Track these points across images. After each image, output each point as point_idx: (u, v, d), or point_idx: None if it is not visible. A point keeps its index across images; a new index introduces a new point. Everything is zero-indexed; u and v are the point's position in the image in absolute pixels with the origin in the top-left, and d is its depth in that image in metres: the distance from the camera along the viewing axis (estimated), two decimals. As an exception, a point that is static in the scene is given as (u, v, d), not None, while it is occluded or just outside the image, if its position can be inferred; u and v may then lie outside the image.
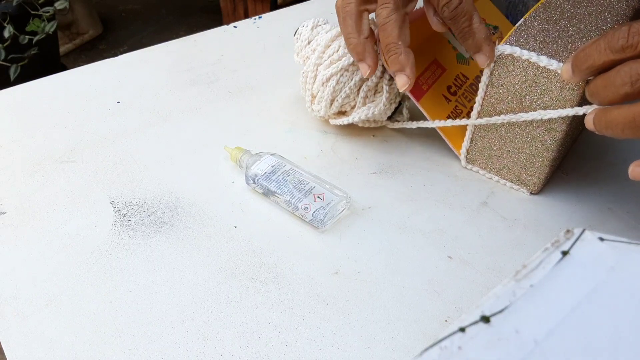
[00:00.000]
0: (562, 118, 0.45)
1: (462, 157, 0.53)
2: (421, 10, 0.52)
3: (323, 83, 0.52)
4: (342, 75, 0.51)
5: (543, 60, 0.43)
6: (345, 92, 0.52)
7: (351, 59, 0.51)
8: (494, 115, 0.48)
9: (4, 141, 0.55)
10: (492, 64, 0.46)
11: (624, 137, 0.38)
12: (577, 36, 0.46)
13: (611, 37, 0.37)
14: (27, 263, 0.44)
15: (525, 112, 0.46)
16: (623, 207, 0.50)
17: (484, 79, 0.47)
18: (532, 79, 0.45)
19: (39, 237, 0.46)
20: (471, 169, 0.53)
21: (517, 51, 0.44)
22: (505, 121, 0.48)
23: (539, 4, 0.50)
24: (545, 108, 0.45)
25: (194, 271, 0.44)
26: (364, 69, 0.50)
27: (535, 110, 0.46)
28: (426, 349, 0.23)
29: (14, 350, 0.38)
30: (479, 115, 0.49)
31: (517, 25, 0.47)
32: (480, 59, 0.46)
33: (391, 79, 0.52)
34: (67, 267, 0.44)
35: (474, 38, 0.46)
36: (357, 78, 0.51)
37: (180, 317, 0.41)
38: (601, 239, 0.28)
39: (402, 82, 0.48)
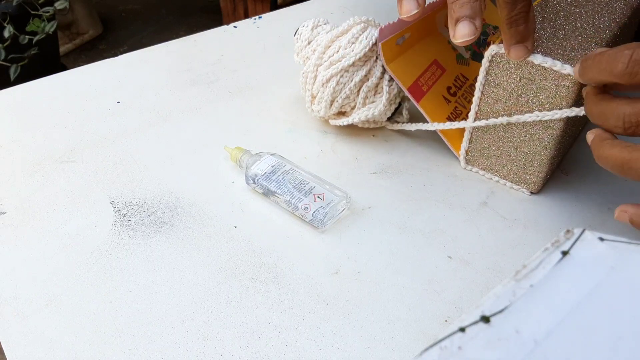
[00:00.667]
0: None
1: (461, 158, 0.53)
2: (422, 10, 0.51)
3: (323, 84, 0.52)
4: (342, 76, 0.51)
5: (537, 58, 0.43)
6: (345, 93, 0.52)
7: (352, 60, 0.50)
8: (491, 114, 0.48)
9: (4, 141, 0.55)
10: (488, 64, 0.46)
11: (612, 172, 0.38)
12: (573, 34, 0.46)
13: (613, 58, 0.36)
14: (27, 263, 0.44)
15: (522, 110, 0.46)
16: (623, 207, 0.50)
17: (480, 78, 0.47)
18: (527, 77, 0.45)
19: (39, 237, 0.46)
20: (471, 170, 0.53)
21: None
22: (503, 123, 0.48)
23: (535, 3, 0.50)
24: (542, 106, 0.45)
25: (194, 271, 0.44)
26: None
27: (532, 109, 0.46)
28: (426, 349, 0.23)
29: (14, 350, 0.38)
30: (477, 115, 0.49)
31: None
32: (520, 51, 0.43)
33: (391, 79, 0.52)
34: (67, 267, 0.44)
35: (528, 25, 0.42)
36: (357, 79, 0.51)
37: (180, 317, 0.41)
38: (601, 239, 0.28)
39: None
